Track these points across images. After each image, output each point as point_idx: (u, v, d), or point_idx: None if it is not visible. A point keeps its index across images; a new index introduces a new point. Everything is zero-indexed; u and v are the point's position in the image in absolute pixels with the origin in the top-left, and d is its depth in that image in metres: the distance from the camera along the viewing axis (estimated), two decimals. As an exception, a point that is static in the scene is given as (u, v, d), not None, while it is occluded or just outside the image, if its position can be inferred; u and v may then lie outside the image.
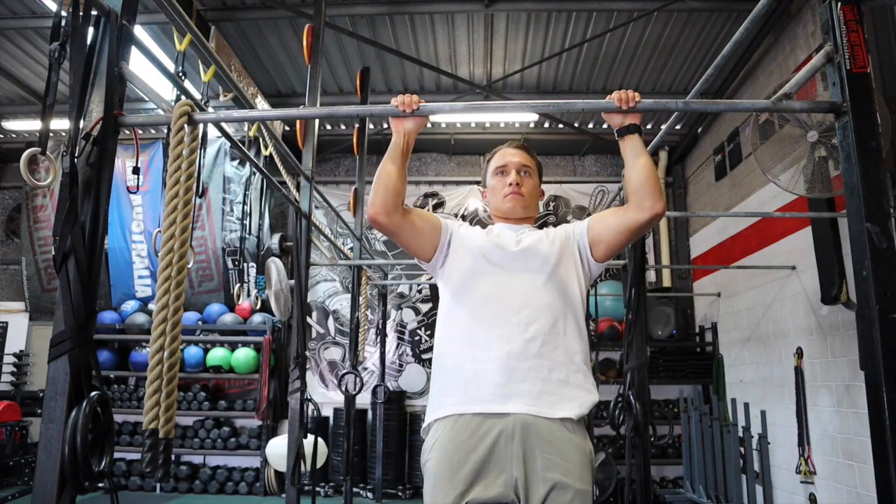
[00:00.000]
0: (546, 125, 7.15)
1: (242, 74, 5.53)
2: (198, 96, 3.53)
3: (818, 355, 4.52)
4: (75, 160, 1.71)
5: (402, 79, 6.34)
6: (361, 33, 5.48)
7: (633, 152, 1.67)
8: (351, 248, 6.98)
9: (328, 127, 7.28)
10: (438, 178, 7.80)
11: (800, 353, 4.74)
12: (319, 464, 4.52)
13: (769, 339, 5.32)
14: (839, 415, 4.22)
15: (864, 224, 1.54)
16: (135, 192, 6.95)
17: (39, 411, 4.72)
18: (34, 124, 6.97)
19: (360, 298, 5.29)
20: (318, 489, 6.31)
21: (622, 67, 6.03)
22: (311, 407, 3.68)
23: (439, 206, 7.70)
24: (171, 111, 1.86)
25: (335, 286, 7.60)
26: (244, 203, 7.19)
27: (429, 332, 7.37)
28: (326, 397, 7.11)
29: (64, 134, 4.16)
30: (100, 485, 6.06)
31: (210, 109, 4.01)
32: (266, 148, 5.12)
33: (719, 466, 5.08)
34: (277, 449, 4.94)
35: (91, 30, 1.81)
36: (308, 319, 7.31)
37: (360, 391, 5.14)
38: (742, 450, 5.03)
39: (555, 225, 7.06)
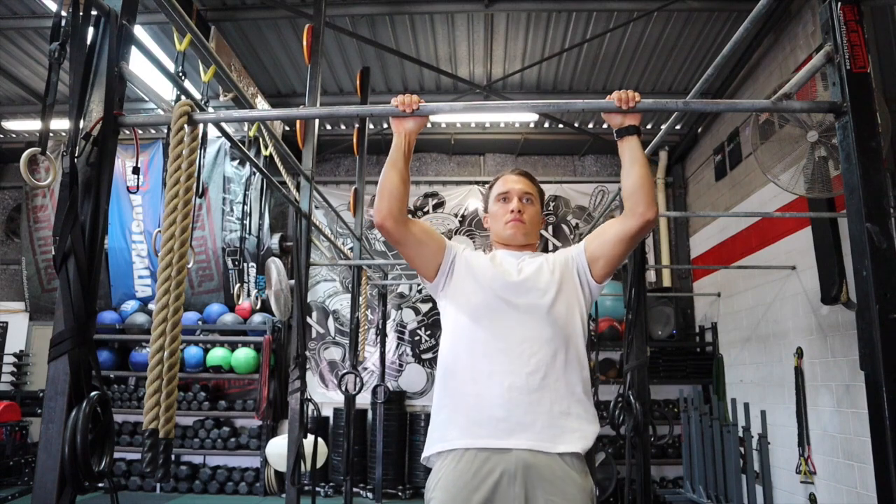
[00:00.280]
0: (546, 125, 7.15)
1: (242, 74, 5.53)
2: (198, 96, 3.53)
3: (818, 355, 4.52)
4: (75, 160, 1.71)
5: (402, 79, 6.34)
6: (361, 33, 5.48)
7: (631, 155, 1.66)
8: (351, 248, 6.98)
9: (328, 127, 7.28)
10: (438, 178, 7.80)
11: (800, 353, 4.74)
12: (319, 464, 4.52)
13: (769, 339, 5.32)
14: (839, 415, 4.22)
15: (864, 224, 1.54)
16: (135, 192, 6.95)
17: (39, 411, 4.72)
18: (34, 124, 6.97)
19: (360, 298, 5.29)
20: (318, 489, 6.31)
21: (622, 67, 6.03)
22: (311, 407, 3.68)
23: (439, 206, 7.70)
24: (171, 111, 1.86)
25: (335, 286, 7.60)
26: (244, 203, 7.19)
27: (429, 332, 7.37)
28: (326, 397, 7.11)
29: (64, 134, 4.17)
30: (100, 485, 6.06)
31: (210, 109, 4.01)
32: (266, 148, 5.12)
33: (719, 466, 5.08)
34: (277, 449, 4.94)
35: (91, 30, 1.81)
36: (308, 319, 7.31)
37: (360, 391, 5.15)
38: (742, 450, 5.03)
39: (555, 225, 6.97)
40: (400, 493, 6.47)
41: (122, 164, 6.55)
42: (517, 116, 6.82)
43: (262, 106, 5.79)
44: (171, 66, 2.92)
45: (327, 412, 6.91)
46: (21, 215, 7.69)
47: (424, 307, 7.42)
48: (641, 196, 1.62)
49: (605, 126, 6.20)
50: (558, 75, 6.24)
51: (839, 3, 1.66)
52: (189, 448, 6.58)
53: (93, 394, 1.61)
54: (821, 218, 4.22)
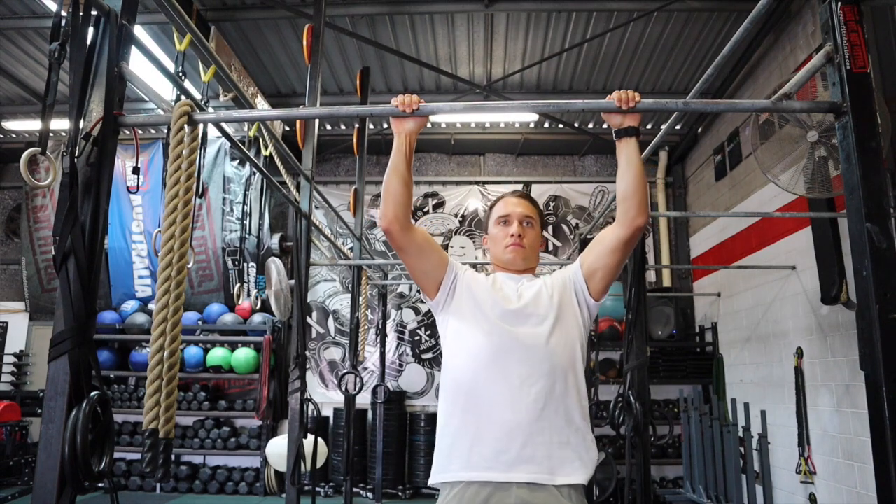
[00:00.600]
0: (546, 125, 7.16)
1: (242, 74, 5.53)
2: (198, 96, 3.53)
3: (818, 355, 4.52)
4: (75, 160, 1.71)
5: (402, 79, 6.34)
6: (361, 33, 5.48)
7: (628, 158, 1.66)
8: (351, 248, 6.99)
9: (328, 127, 7.28)
10: (438, 178, 7.80)
11: (800, 353, 4.74)
12: (319, 464, 4.52)
13: (769, 339, 5.32)
14: (839, 415, 4.22)
15: (864, 224, 1.54)
16: (135, 192, 6.95)
17: (39, 411, 4.72)
18: (34, 124, 6.97)
19: (360, 298, 5.29)
20: (318, 489, 6.31)
21: (622, 67, 6.03)
22: (311, 407, 3.68)
23: (439, 206, 7.70)
24: (171, 111, 1.86)
25: (335, 286, 7.60)
26: (244, 203, 7.19)
27: (428, 332, 7.37)
28: (326, 397, 7.11)
29: (64, 134, 4.17)
30: (100, 485, 6.06)
31: (210, 109, 4.01)
32: (266, 148, 5.12)
33: (719, 466, 5.08)
34: (277, 449, 4.95)
35: (91, 30, 1.81)
36: (308, 319, 7.31)
37: (360, 391, 5.15)
38: (742, 450, 5.03)
39: (555, 225, 6.95)
40: (400, 493, 6.47)
41: (122, 164, 6.55)
42: (517, 116, 6.82)
43: (262, 106, 5.79)
44: (171, 66, 2.92)
45: (327, 412, 6.91)
46: (21, 215, 7.69)
47: (424, 307, 7.42)
48: (634, 202, 1.63)
49: (605, 126, 6.20)
50: (558, 75, 6.24)
51: (839, 3, 1.66)
52: (189, 448, 6.58)
53: (93, 394, 1.61)
54: (821, 218, 4.22)
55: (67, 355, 1.60)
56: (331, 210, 5.23)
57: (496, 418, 1.58)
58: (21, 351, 7.47)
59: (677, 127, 6.89)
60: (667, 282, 7.35)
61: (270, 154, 5.25)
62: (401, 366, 7.33)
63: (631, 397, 3.39)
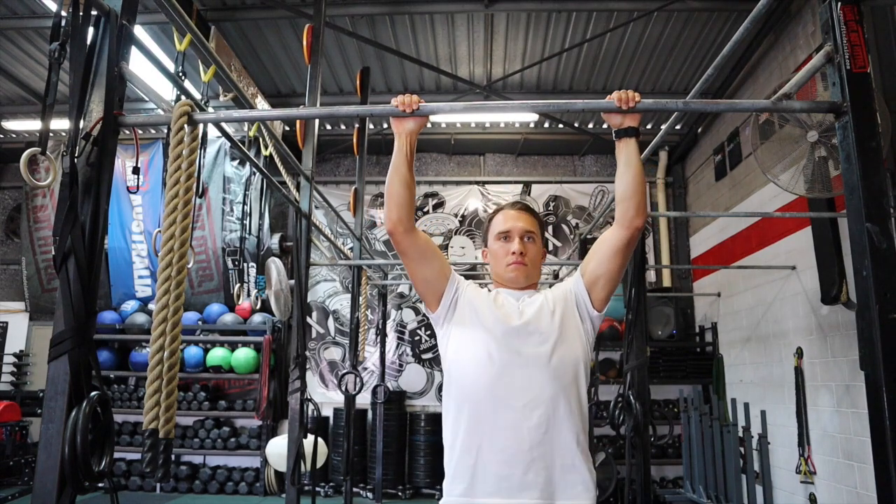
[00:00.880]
0: (546, 125, 7.16)
1: (242, 74, 5.53)
2: (198, 96, 3.53)
3: (818, 355, 4.52)
4: (75, 160, 1.71)
5: (402, 79, 6.34)
6: (361, 33, 5.48)
7: (627, 158, 1.65)
8: (351, 248, 6.98)
9: (328, 127, 7.28)
10: (438, 178, 7.80)
11: (800, 353, 4.74)
12: (319, 464, 4.52)
13: (769, 339, 5.32)
14: (839, 415, 4.22)
15: (864, 224, 1.54)
16: (135, 192, 6.95)
17: (39, 411, 4.72)
18: (34, 124, 6.97)
19: (360, 298, 5.29)
20: (318, 489, 6.31)
21: (622, 67, 6.03)
22: (311, 407, 3.68)
23: (439, 206, 7.70)
24: (171, 111, 1.86)
25: (335, 286, 7.60)
26: (244, 203, 7.19)
27: (428, 332, 7.37)
28: (326, 397, 7.11)
29: (64, 134, 4.17)
30: (100, 485, 6.06)
31: (210, 109, 4.01)
32: (266, 148, 5.12)
33: (719, 466, 5.08)
34: (277, 449, 4.94)
35: (91, 30, 1.81)
36: (308, 319, 7.31)
37: (360, 391, 5.14)
38: (742, 450, 5.03)
39: (555, 225, 6.93)
40: (400, 493, 6.47)
41: (122, 164, 6.56)
42: (517, 116, 6.82)
43: (262, 106, 5.79)
44: (171, 66, 2.92)
45: (327, 412, 6.91)
46: (21, 215, 7.69)
47: (424, 307, 7.41)
48: (633, 203, 1.62)
49: (605, 126, 6.21)
50: (558, 75, 6.24)
51: (839, 3, 1.66)
52: (189, 448, 6.58)
53: (93, 394, 1.61)
54: (821, 218, 4.22)
55: (67, 355, 1.60)
56: (331, 210, 5.23)
57: (498, 445, 1.56)
58: (21, 351, 7.47)
59: (677, 127, 6.89)
60: (667, 282, 7.35)
61: (270, 154, 5.25)
62: (401, 366, 7.33)
63: (631, 397, 3.39)
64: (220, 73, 2.80)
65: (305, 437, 3.57)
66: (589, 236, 6.02)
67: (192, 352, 6.76)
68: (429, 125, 6.68)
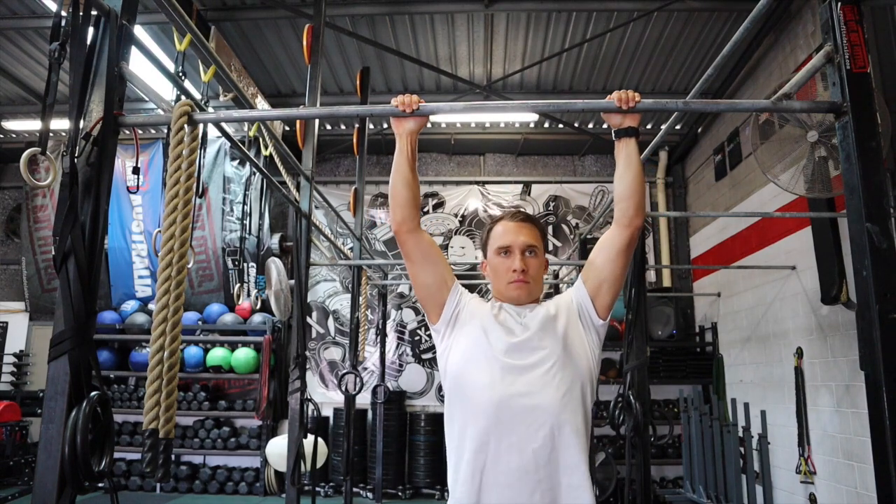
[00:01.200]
0: (546, 125, 7.16)
1: (242, 74, 5.53)
2: (198, 96, 3.54)
3: (818, 355, 4.52)
4: (75, 160, 1.71)
5: (402, 79, 6.34)
6: (361, 33, 5.48)
7: (627, 159, 1.64)
8: (351, 248, 6.98)
9: (328, 127, 7.28)
10: (438, 178, 7.80)
11: (800, 353, 4.74)
12: (319, 464, 4.52)
13: (769, 339, 5.32)
14: (839, 415, 4.22)
15: (864, 224, 1.54)
16: (135, 192, 6.95)
17: (39, 411, 4.72)
18: (34, 124, 6.97)
19: (360, 298, 5.29)
20: (318, 489, 6.31)
21: (622, 67, 6.03)
22: (311, 407, 3.68)
23: (439, 206, 7.70)
24: (171, 111, 1.86)
25: (335, 286, 7.60)
26: (244, 203, 7.19)
27: (428, 332, 7.33)
28: (326, 397, 7.11)
29: (64, 134, 4.17)
30: (100, 485, 6.07)
31: (210, 109, 4.01)
32: (266, 148, 5.12)
33: (719, 466, 5.08)
34: (277, 449, 4.94)
35: (91, 30, 1.81)
36: (308, 319, 7.31)
37: (360, 391, 5.15)
38: (742, 450, 5.03)
39: (555, 225, 6.91)
40: (400, 493, 6.47)
41: (122, 164, 6.56)
42: (517, 116, 6.82)
43: (262, 106, 5.79)
44: (171, 66, 2.93)
45: (327, 412, 6.91)
46: (21, 215, 7.69)
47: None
48: (632, 203, 1.61)
49: (605, 126, 6.20)
50: (558, 75, 6.24)
51: (839, 3, 1.66)
52: (189, 448, 6.58)
53: (93, 394, 1.61)
54: (821, 218, 4.22)
55: (67, 355, 1.60)
56: (331, 210, 5.23)
57: (503, 467, 1.51)
58: (21, 351, 7.47)
59: (677, 127, 6.89)
60: (667, 282, 7.35)
61: (270, 154, 5.26)
62: (401, 366, 7.33)
63: (631, 397, 3.39)
64: (220, 73, 2.80)
65: (305, 437, 3.57)
66: (589, 236, 6.02)
67: (192, 352, 6.76)
68: (429, 125, 6.68)
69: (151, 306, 6.82)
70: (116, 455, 6.35)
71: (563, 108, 1.89)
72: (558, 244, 7.53)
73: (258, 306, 6.76)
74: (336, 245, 5.26)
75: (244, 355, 6.70)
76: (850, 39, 1.64)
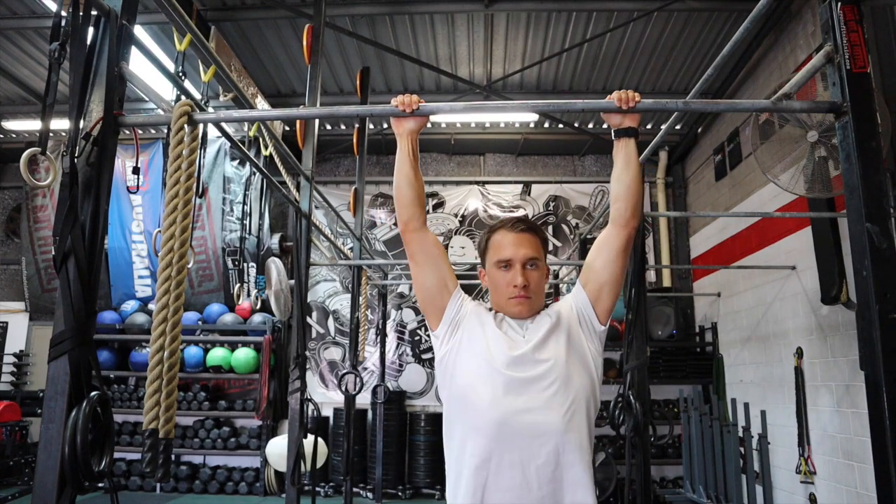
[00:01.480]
0: (546, 125, 7.15)
1: (242, 74, 5.53)
2: (198, 96, 3.54)
3: (818, 355, 4.52)
4: (75, 160, 1.71)
5: (402, 79, 6.34)
6: (361, 33, 5.48)
7: (626, 159, 1.63)
8: (351, 248, 6.98)
9: (328, 127, 7.28)
10: (438, 178, 7.80)
11: (800, 353, 4.74)
12: (319, 464, 4.52)
13: (769, 339, 5.32)
14: (839, 415, 4.22)
15: (864, 224, 1.54)
16: (135, 192, 6.95)
17: (39, 411, 4.72)
18: (34, 124, 6.97)
19: (360, 298, 5.29)
20: (318, 489, 6.31)
21: (622, 67, 6.03)
22: (311, 407, 3.68)
23: (439, 206, 7.70)
24: (171, 111, 1.86)
25: (335, 286, 7.60)
26: (244, 203, 7.19)
27: (428, 333, 7.35)
28: (326, 397, 7.11)
29: (64, 134, 4.17)
30: (100, 485, 6.07)
31: (210, 109, 4.01)
32: (266, 148, 5.12)
33: (719, 466, 5.08)
34: (277, 449, 4.94)
35: (91, 30, 1.81)
36: (308, 319, 7.31)
37: (360, 391, 5.15)
38: (742, 450, 5.03)
39: (555, 225, 6.90)
40: (400, 493, 6.47)
41: (122, 164, 6.55)
42: (517, 116, 6.82)
43: (262, 106, 5.79)
44: (171, 66, 2.93)
45: (327, 412, 6.91)
46: (21, 215, 7.69)
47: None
48: (629, 203, 1.60)
49: (605, 126, 6.20)
50: (558, 75, 6.24)
51: (839, 3, 1.66)
52: (189, 448, 6.58)
53: (93, 394, 1.61)
54: (821, 218, 4.22)
55: (67, 355, 1.60)
56: (331, 210, 5.23)
57: (504, 484, 1.48)
58: (21, 351, 7.47)
59: (677, 127, 6.89)
60: (667, 282, 7.35)
61: (270, 154, 5.25)
62: (401, 366, 7.33)
63: (631, 397, 3.39)
64: (220, 73, 2.80)
65: (305, 437, 3.57)
66: (589, 236, 6.02)
67: (192, 352, 6.76)
68: (429, 125, 6.68)
69: (151, 306, 6.82)
70: (116, 455, 6.35)
71: (563, 108, 1.89)
72: (558, 244, 7.53)
73: (258, 306, 6.76)
74: (336, 245, 5.26)
75: (244, 355, 6.70)
76: (850, 39, 1.64)
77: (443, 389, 1.64)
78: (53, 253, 1.65)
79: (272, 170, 5.82)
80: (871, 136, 1.59)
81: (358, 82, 5.26)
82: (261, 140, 5.07)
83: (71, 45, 1.76)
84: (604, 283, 1.64)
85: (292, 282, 4.15)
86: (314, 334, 7.46)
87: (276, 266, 4.70)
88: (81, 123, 1.75)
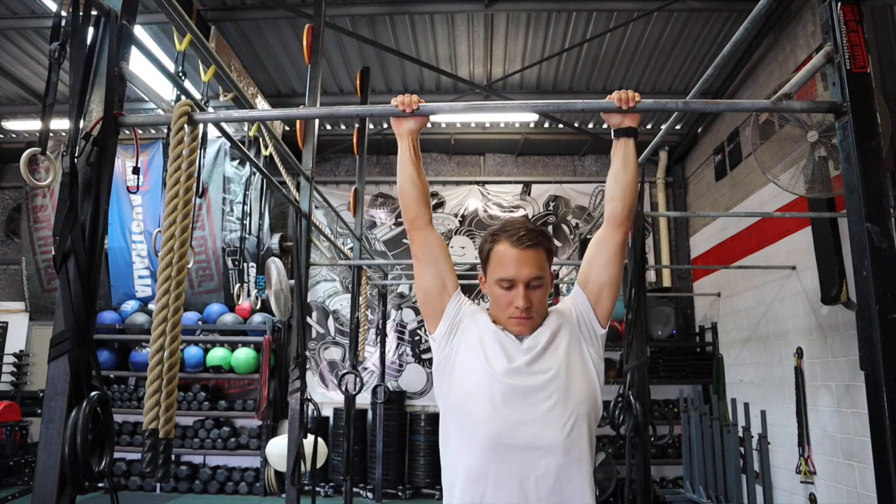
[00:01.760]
0: (546, 125, 7.16)
1: (242, 74, 5.53)
2: (198, 96, 3.54)
3: (818, 355, 4.52)
4: (75, 160, 1.71)
5: (402, 79, 6.34)
6: (361, 33, 5.48)
7: (625, 159, 1.63)
8: (351, 248, 6.98)
9: (328, 127, 7.28)
10: (438, 178, 7.80)
11: (800, 353, 4.74)
12: (319, 464, 4.52)
13: (769, 339, 5.32)
14: (839, 415, 4.22)
15: (864, 224, 1.54)
16: (135, 192, 6.95)
17: (39, 411, 4.72)
18: (34, 124, 6.97)
19: (360, 298, 5.29)
20: (318, 489, 6.31)
21: (622, 67, 6.03)
22: (311, 407, 3.68)
23: (439, 206, 7.70)
24: (171, 111, 1.86)
25: (335, 286, 7.60)
26: (244, 203, 7.19)
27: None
28: (326, 397, 7.11)
29: (64, 134, 4.17)
30: (100, 485, 6.07)
31: (210, 109, 4.01)
32: (266, 148, 5.12)
33: (719, 466, 5.08)
34: (277, 449, 4.94)
35: (91, 30, 1.81)
36: (308, 319, 7.31)
37: (360, 391, 5.15)
38: (742, 450, 5.03)
39: (555, 225, 6.90)
40: (400, 493, 6.47)
41: (122, 164, 6.56)
42: (517, 116, 6.82)
43: (262, 106, 5.79)
44: (171, 66, 2.92)
45: (327, 412, 6.91)
46: (21, 215, 7.69)
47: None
48: (625, 203, 1.61)
49: (605, 126, 6.20)
50: (558, 75, 6.24)
51: (839, 3, 1.66)
52: (189, 448, 6.58)
53: (93, 394, 1.61)
54: (821, 218, 4.22)
55: (67, 355, 1.60)
56: (331, 210, 5.23)
57: (502, 498, 1.44)
58: (21, 351, 7.47)
59: (677, 127, 6.89)
60: (667, 282, 7.35)
61: (270, 154, 5.25)
62: (401, 366, 7.33)
63: (631, 397, 3.39)
64: (220, 73, 2.80)
65: (305, 437, 3.57)
66: (589, 236, 6.02)
67: (192, 352, 6.76)
68: (429, 125, 6.67)
69: (151, 306, 6.82)
70: (116, 455, 6.35)
71: (563, 108, 1.89)
72: (558, 244, 7.53)
73: (258, 306, 6.76)
74: (336, 245, 5.26)
75: (244, 355, 6.70)
76: (850, 39, 1.64)
77: (440, 397, 1.60)
78: (53, 253, 1.65)
79: (272, 170, 5.82)
80: (871, 136, 1.59)
81: (358, 82, 5.26)
82: (261, 140, 5.07)
83: (71, 45, 1.76)
84: (604, 283, 1.62)
85: (292, 282, 4.15)
86: (314, 334, 7.46)
87: (276, 266, 4.70)
88: (81, 123, 1.75)
